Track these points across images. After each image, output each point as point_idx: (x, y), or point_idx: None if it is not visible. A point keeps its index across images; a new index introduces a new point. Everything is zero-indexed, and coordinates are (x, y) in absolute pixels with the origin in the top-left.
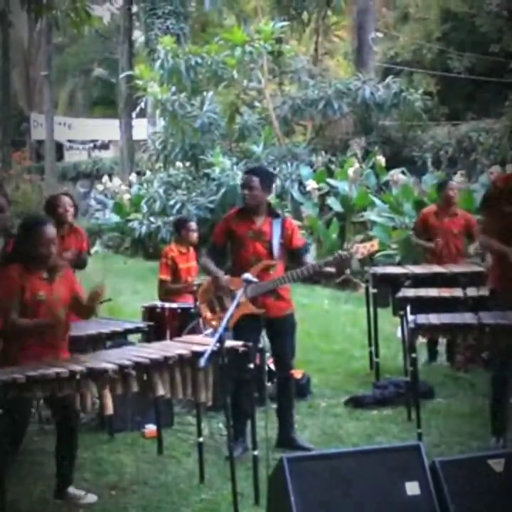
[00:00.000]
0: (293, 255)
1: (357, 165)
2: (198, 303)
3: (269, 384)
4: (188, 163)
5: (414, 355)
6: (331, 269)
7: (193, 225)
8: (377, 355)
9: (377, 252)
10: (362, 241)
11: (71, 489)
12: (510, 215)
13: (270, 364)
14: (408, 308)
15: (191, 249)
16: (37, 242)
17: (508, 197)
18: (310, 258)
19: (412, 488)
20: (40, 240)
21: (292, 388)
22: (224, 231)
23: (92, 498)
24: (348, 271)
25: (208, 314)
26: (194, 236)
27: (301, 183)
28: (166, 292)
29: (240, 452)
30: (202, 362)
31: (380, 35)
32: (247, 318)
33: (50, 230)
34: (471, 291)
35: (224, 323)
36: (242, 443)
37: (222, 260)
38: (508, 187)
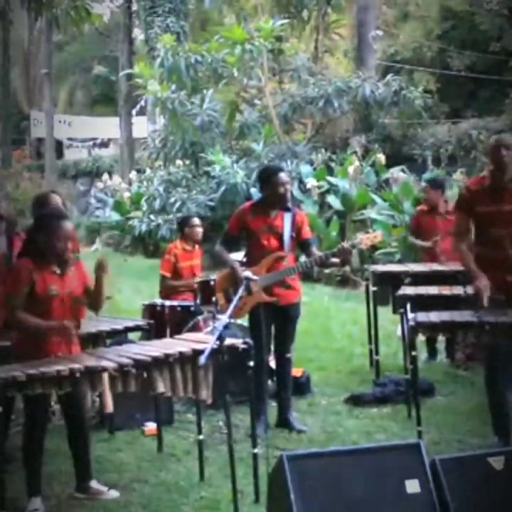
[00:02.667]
0: (301, 246)
1: (357, 163)
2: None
3: (269, 382)
4: (188, 161)
5: (414, 353)
6: (336, 260)
7: (196, 220)
8: (377, 353)
9: (380, 243)
10: (366, 233)
11: (94, 484)
12: (485, 215)
13: (270, 362)
14: (408, 306)
15: (196, 247)
16: (54, 237)
17: (481, 198)
18: (316, 250)
19: (412, 486)
20: (58, 235)
21: (289, 369)
22: (239, 224)
23: (114, 493)
24: (348, 268)
25: (223, 302)
26: (198, 232)
27: (301, 181)
28: (165, 288)
29: (262, 430)
30: (202, 359)
31: (380, 33)
32: (261, 307)
33: (69, 225)
34: (471, 289)
35: (223, 320)
36: (264, 421)
37: (235, 249)
38: (480, 188)
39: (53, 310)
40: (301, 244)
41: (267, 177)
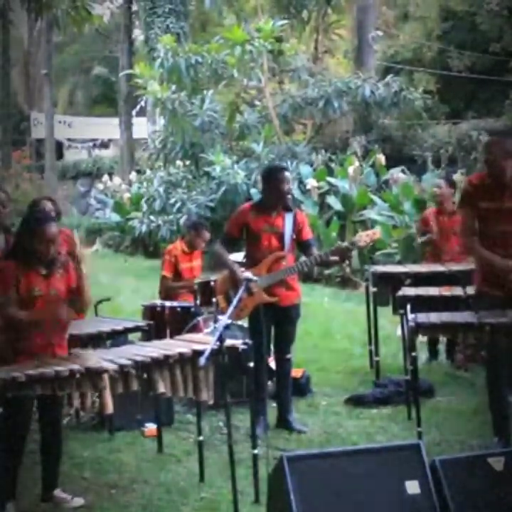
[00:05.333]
0: (302, 247)
1: (357, 163)
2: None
3: (269, 382)
4: (188, 162)
5: (414, 353)
6: (335, 258)
7: (207, 235)
8: (377, 354)
9: (380, 244)
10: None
11: (57, 492)
12: (487, 211)
13: (270, 362)
14: (408, 307)
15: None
16: (37, 241)
17: (483, 194)
18: (316, 250)
19: (412, 487)
20: (41, 239)
21: (289, 370)
22: (239, 224)
23: (78, 501)
24: (348, 269)
25: (225, 306)
26: (202, 245)
27: (301, 182)
28: (166, 289)
29: (261, 431)
30: (202, 360)
31: (380, 33)
32: (262, 308)
33: (52, 229)
34: (471, 290)
35: (224, 321)
36: (264, 422)
37: (234, 249)
38: (482, 184)
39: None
40: (301, 245)
41: (271, 175)
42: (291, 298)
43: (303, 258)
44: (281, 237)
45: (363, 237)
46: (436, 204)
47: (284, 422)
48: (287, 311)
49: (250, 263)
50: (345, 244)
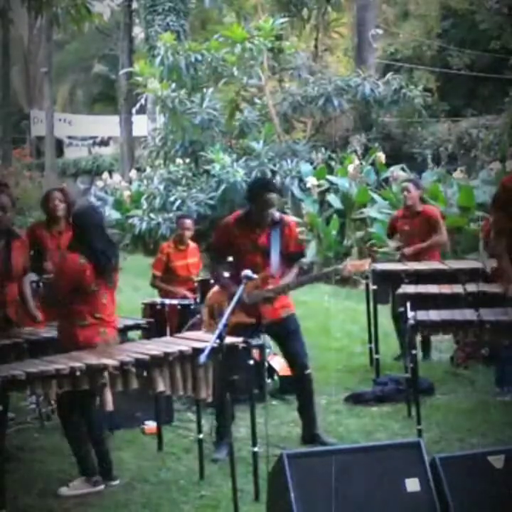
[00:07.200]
0: (286, 260)
1: (357, 161)
2: (202, 304)
3: (269, 381)
4: (188, 160)
5: (414, 351)
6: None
7: (188, 223)
8: (377, 352)
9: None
10: (363, 243)
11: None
12: None
13: (270, 361)
14: (408, 305)
15: (191, 245)
16: None
17: None
18: (303, 262)
19: (412, 484)
20: None
21: (308, 385)
22: (224, 239)
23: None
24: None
25: (206, 318)
26: (187, 234)
27: (301, 180)
28: (156, 287)
29: (224, 455)
30: (202, 358)
31: (380, 31)
32: (240, 327)
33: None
34: (471, 288)
35: (224, 320)
36: (227, 445)
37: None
38: None
39: None
40: (286, 258)
41: (256, 194)
42: (277, 311)
43: (290, 277)
44: (267, 255)
45: (348, 267)
46: (405, 206)
47: (312, 437)
48: (278, 326)
49: (236, 282)
50: (332, 268)
